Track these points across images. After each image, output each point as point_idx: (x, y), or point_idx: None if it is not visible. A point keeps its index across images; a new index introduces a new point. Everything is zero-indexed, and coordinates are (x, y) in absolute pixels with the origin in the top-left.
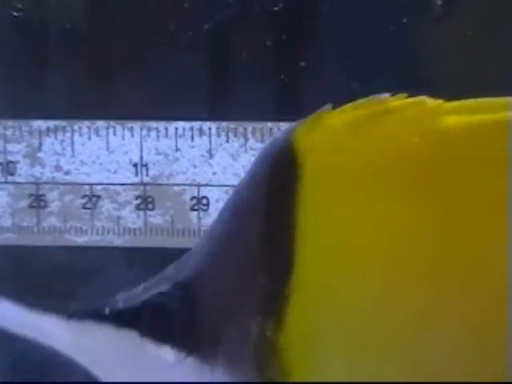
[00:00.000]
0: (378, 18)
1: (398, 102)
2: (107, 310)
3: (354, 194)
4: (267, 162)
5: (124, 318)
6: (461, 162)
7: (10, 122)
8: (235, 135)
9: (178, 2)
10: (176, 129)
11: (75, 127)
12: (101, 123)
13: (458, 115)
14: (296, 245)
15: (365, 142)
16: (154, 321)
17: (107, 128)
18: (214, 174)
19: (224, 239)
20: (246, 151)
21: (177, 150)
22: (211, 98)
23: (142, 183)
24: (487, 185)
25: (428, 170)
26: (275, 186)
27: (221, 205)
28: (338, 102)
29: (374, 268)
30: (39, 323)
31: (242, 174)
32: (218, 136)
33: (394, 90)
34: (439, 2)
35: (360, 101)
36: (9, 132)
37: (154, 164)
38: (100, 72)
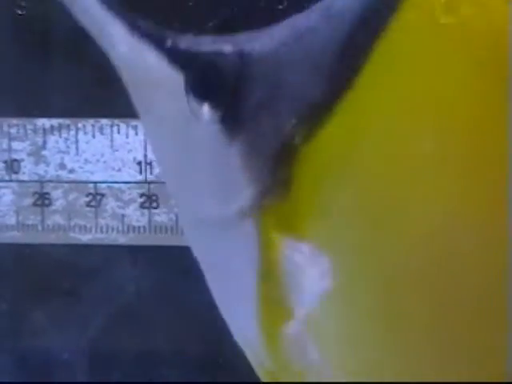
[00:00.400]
0: None
1: None
2: (169, 43)
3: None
4: None
5: (179, 57)
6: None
7: (14, 120)
8: None
9: (182, 1)
10: None
11: (79, 125)
12: (105, 121)
13: None
14: (366, 65)
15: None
16: (203, 72)
17: (111, 126)
18: None
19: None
20: None
21: None
22: None
23: (146, 181)
24: None
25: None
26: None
27: None
28: None
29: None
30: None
31: None
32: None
33: None
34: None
35: None
36: (13, 130)
37: None
38: (104, 70)
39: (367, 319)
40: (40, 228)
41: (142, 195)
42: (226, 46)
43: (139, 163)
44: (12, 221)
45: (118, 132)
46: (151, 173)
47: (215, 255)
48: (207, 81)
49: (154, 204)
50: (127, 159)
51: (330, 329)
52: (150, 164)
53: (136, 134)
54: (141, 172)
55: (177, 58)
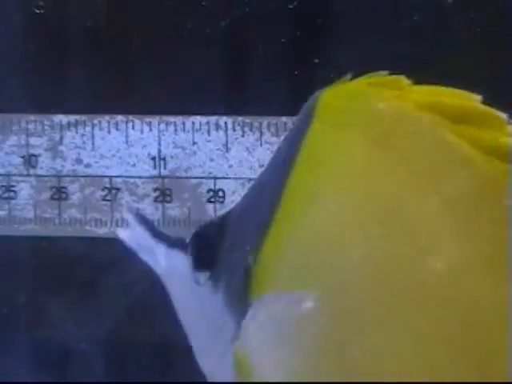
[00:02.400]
0: (389, 15)
1: (388, 77)
2: (187, 239)
3: (344, 138)
4: (300, 112)
5: (185, 245)
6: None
7: (32, 117)
8: (251, 129)
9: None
10: (193, 123)
11: (95, 121)
12: (120, 118)
13: (420, 93)
14: (293, 171)
15: (359, 103)
16: (195, 247)
17: (126, 122)
18: (230, 167)
19: (257, 179)
20: (261, 145)
21: (194, 143)
22: (227, 94)
23: (160, 176)
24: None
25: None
26: (295, 127)
27: (236, 197)
28: None
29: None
30: (154, 250)
31: (258, 167)
32: (234, 130)
33: None
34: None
35: (366, 75)
36: (31, 126)
37: (172, 157)
38: (119, 68)
39: None
40: (57, 221)
41: (155, 189)
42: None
43: (153, 158)
44: (30, 214)
45: (133, 128)
46: (165, 168)
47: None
48: (201, 260)
49: (168, 198)
50: (142, 154)
51: None
52: (164, 159)
53: (150, 130)
54: (155, 167)
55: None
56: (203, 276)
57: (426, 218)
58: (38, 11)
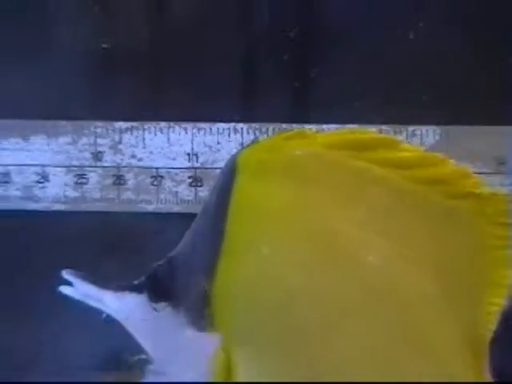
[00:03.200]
0: (382, 34)
1: (295, 130)
2: (136, 282)
3: (268, 186)
4: (221, 171)
5: (140, 287)
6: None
7: (99, 123)
8: (260, 133)
9: (216, 30)
10: (218, 128)
11: (145, 127)
12: (163, 124)
13: (324, 137)
14: (227, 224)
15: (276, 154)
16: (151, 285)
17: (168, 128)
18: None
19: (194, 225)
20: None
21: (218, 143)
22: (243, 105)
23: (193, 167)
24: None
25: (307, 171)
26: (220, 184)
27: None
28: (341, 105)
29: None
30: (102, 297)
31: None
32: (248, 133)
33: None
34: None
35: (279, 133)
36: (98, 130)
37: (202, 154)
38: (163, 86)
39: None
40: (117, 201)
41: (190, 177)
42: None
43: (188, 154)
44: (97, 195)
45: (173, 132)
46: (197, 161)
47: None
48: (157, 294)
49: (199, 184)
50: (180, 151)
51: None
52: (196, 155)
53: (186, 133)
54: (189, 161)
55: (140, 287)
56: (161, 305)
57: (355, 231)
58: (104, 46)
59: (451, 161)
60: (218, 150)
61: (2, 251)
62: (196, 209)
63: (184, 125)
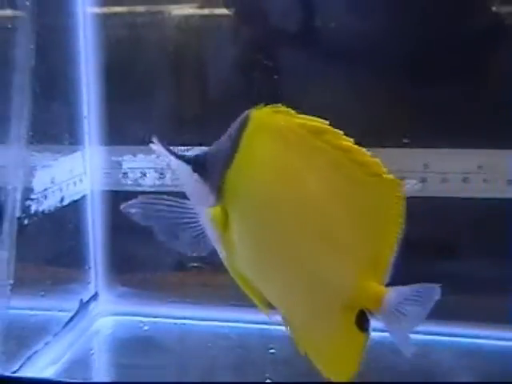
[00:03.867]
0: None
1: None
2: (187, 157)
3: (264, 138)
4: (239, 119)
5: (188, 161)
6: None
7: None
8: None
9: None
10: None
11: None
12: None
13: (300, 119)
14: (239, 147)
15: (270, 120)
16: (194, 162)
17: None
18: None
19: (221, 139)
20: None
21: None
22: None
23: None
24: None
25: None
26: (238, 123)
27: None
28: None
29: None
30: (169, 159)
31: None
32: None
33: None
34: None
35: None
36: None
37: None
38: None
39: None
40: None
41: None
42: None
43: None
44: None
45: None
46: None
47: None
48: (196, 167)
49: None
50: None
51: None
52: None
53: None
54: None
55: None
56: (196, 176)
57: (308, 174)
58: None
59: (370, 153)
60: None
61: None
62: None
63: None
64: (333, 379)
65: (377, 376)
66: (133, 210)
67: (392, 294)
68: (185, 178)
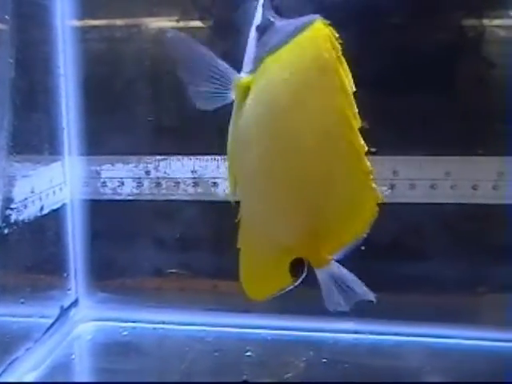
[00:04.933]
0: None
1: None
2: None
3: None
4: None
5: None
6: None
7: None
8: None
9: None
10: None
11: None
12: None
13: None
14: (279, 48)
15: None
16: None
17: None
18: None
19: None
20: None
21: None
22: None
23: None
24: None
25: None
26: (295, 26)
27: None
28: None
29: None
30: None
31: None
32: None
33: None
34: None
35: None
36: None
37: None
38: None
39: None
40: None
41: None
42: None
43: None
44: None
45: None
46: None
47: None
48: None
49: None
50: None
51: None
52: None
53: None
54: None
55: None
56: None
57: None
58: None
59: None
60: None
61: None
62: None
63: None
64: (249, 296)
65: (352, 376)
66: (171, 36)
67: (335, 267)
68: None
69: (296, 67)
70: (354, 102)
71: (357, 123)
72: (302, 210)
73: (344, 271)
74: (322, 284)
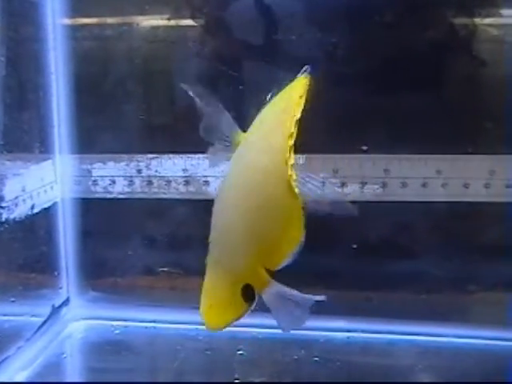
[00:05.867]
0: None
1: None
2: None
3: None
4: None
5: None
6: None
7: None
8: None
9: None
10: None
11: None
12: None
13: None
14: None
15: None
16: None
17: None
18: None
19: None
20: None
21: None
22: None
23: None
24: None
25: None
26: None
27: None
28: None
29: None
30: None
31: None
32: None
33: None
34: None
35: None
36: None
37: None
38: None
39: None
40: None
41: None
42: None
43: None
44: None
45: None
46: None
47: None
48: None
49: None
50: None
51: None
52: None
53: None
54: None
55: None
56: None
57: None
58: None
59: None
60: None
61: None
62: None
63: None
64: (207, 325)
65: (344, 374)
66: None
67: (274, 286)
68: None
69: (266, 110)
70: (292, 143)
71: (291, 161)
72: (245, 238)
73: (285, 288)
74: (270, 306)
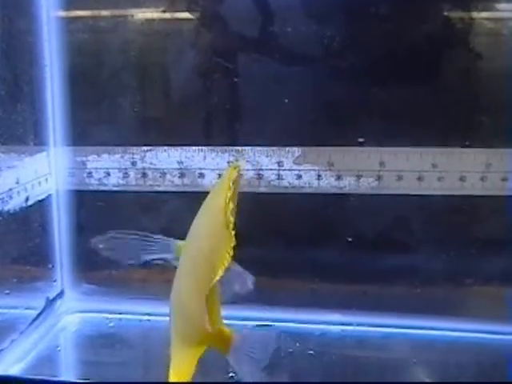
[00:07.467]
0: None
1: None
2: None
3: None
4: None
5: None
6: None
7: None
8: None
9: None
10: None
11: None
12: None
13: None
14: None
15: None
16: None
17: None
18: None
19: None
20: None
21: None
22: None
23: None
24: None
25: None
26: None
27: None
28: None
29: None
30: None
31: None
32: None
33: None
34: None
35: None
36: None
37: None
38: None
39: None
40: None
41: None
42: None
43: None
44: None
45: None
46: None
47: None
48: None
49: None
50: None
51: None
52: None
53: None
54: None
55: None
56: None
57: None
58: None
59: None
60: None
61: None
62: None
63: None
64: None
65: (338, 368)
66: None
67: (238, 339)
68: None
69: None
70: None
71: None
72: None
73: (250, 333)
74: (236, 365)
